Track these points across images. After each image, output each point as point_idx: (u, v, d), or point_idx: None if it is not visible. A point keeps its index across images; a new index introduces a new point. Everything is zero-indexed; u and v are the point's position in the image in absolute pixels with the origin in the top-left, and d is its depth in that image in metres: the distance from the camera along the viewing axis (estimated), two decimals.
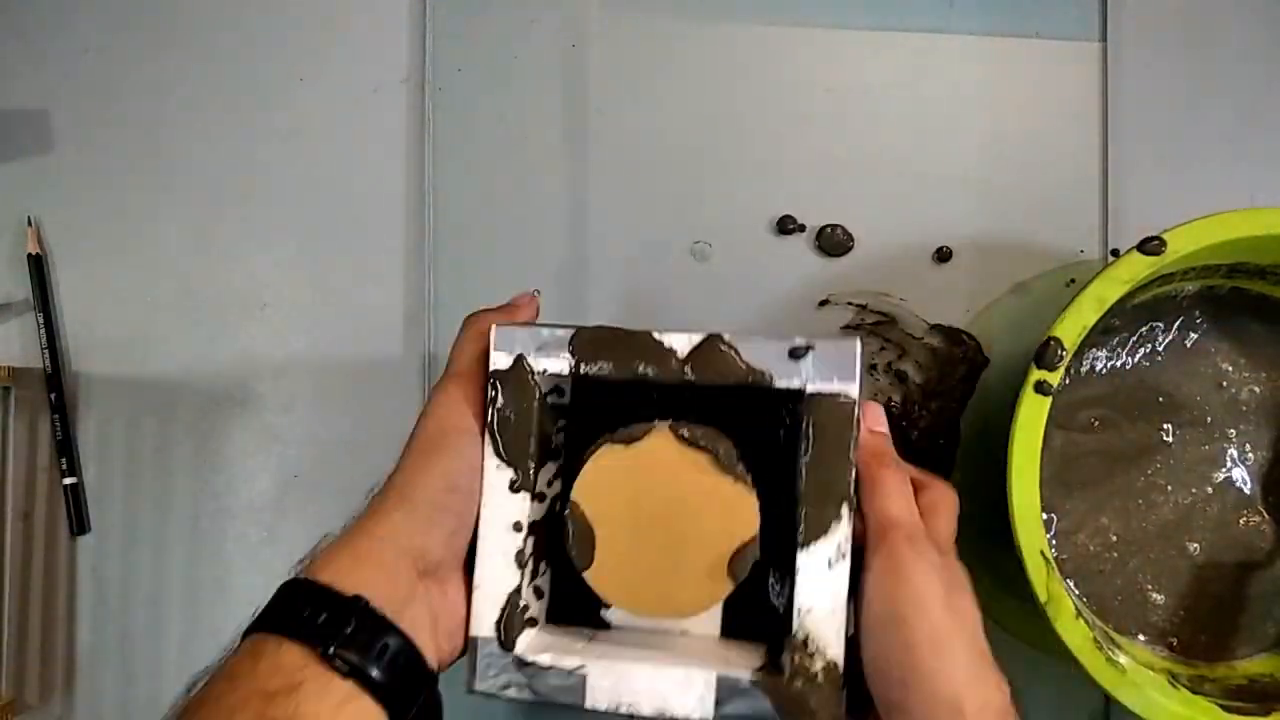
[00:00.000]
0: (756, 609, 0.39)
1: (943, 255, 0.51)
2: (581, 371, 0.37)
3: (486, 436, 0.37)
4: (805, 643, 0.34)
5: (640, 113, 0.51)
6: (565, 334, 0.37)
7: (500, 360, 0.37)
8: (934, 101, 0.51)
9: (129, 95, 0.52)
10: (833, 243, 0.51)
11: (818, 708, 0.34)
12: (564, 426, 0.40)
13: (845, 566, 0.35)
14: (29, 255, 0.51)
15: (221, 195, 0.52)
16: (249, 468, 0.51)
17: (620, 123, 0.51)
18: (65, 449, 0.51)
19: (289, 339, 0.51)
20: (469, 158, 0.51)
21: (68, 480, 0.51)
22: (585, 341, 0.37)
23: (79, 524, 0.51)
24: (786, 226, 0.51)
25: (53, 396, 0.51)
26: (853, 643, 0.35)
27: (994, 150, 0.51)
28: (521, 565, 0.37)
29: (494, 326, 0.37)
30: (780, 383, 0.36)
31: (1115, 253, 0.50)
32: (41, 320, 0.51)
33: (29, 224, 0.51)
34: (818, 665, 0.34)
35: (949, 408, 0.50)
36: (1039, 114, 0.51)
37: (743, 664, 0.36)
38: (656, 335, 0.36)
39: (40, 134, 0.52)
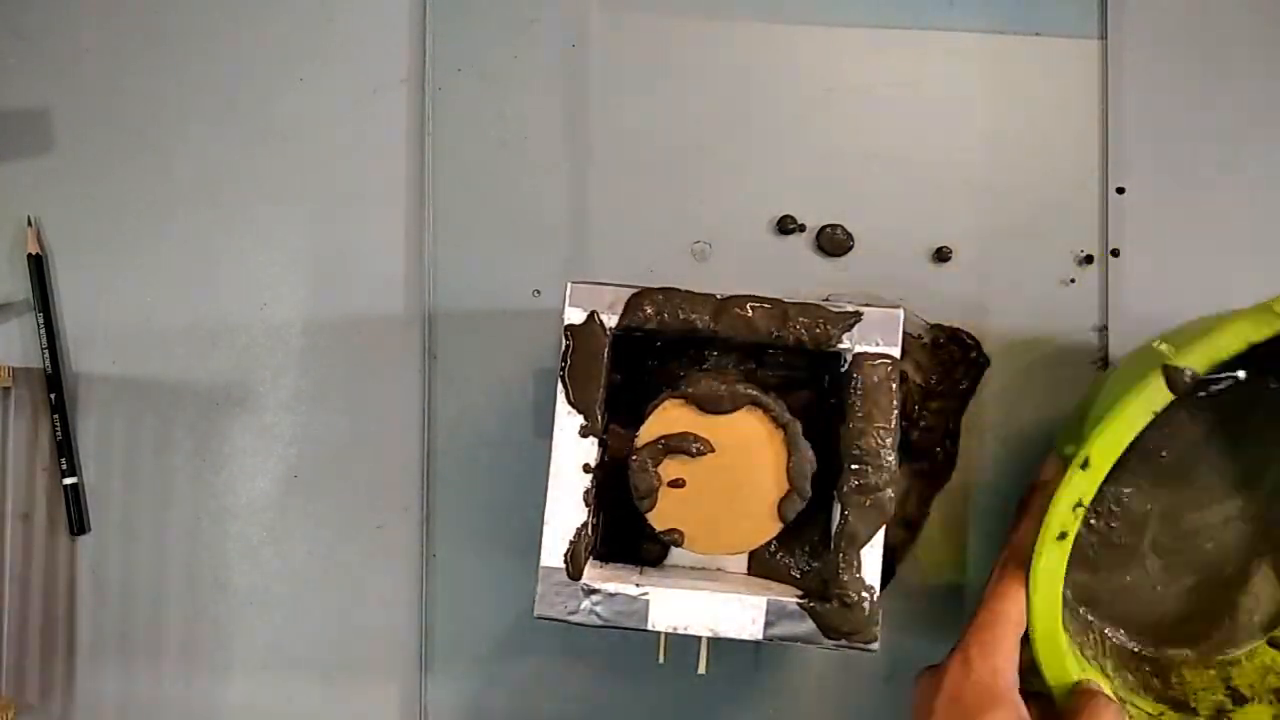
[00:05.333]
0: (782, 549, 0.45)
1: (943, 255, 0.51)
2: (650, 327, 0.41)
3: (559, 384, 0.41)
4: (848, 574, 0.40)
5: (640, 113, 0.51)
6: (632, 292, 0.41)
7: (574, 315, 0.41)
8: (934, 100, 0.51)
9: (129, 95, 0.52)
10: (833, 243, 0.51)
11: (858, 626, 0.40)
12: (625, 380, 0.44)
13: (888, 512, 0.41)
14: (29, 255, 0.51)
15: (221, 195, 0.52)
16: (249, 468, 0.51)
17: (620, 123, 0.51)
18: (65, 449, 0.51)
19: (289, 339, 0.52)
20: (469, 158, 0.51)
21: (68, 480, 0.51)
22: (653, 300, 0.41)
23: (79, 524, 0.51)
24: (786, 226, 0.51)
25: (53, 396, 0.51)
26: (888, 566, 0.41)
27: (994, 150, 0.51)
28: (588, 504, 0.41)
29: (570, 284, 0.41)
30: (833, 344, 0.41)
31: (1115, 253, 0.50)
32: (41, 320, 0.51)
33: (29, 224, 0.51)
34: (859, 591, 0.40)
35: (949, 408, 0.50)
36: (1039, 113, 0.51)
37: (783, 594, 0.41)
38: (720, 296, 0.41)
39: (40, 134, 0.52)
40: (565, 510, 0.41)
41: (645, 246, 0.51)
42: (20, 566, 0.51)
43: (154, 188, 0.52)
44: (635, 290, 0.41)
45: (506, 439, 0.50)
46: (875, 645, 0.40)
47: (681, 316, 0.41)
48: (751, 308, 0.41)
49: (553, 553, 0.40)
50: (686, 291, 0.41)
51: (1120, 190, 0.51)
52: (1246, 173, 0.51)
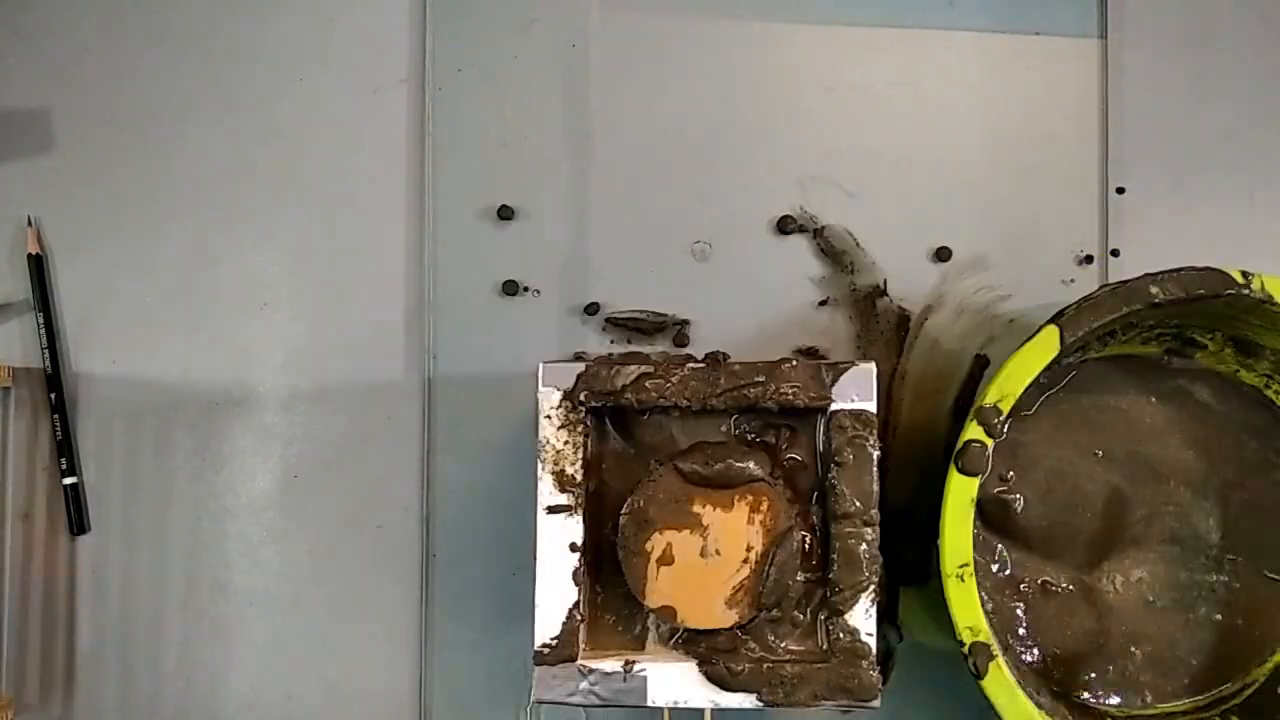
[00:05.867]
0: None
1: (942, 255, 0.51)
2: (623, 403, 0.40)
3: (539, 466, 0.40)
4: (843, 631, 0.40)
5: (640, 113, 0.51)
6: (606, 366, 0.40)
7: (550, 395, 0.40)
8: (934, 100, 0.51)
9: (129, 95, 0.52)
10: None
11: (857, 685, 0.39)
12: (605, 451, 0.43)
13: (878, 564, 0.40)
14: (29, 255, 0.51)
15: (221, 195, 0.52)
16: (249, 468, 0.51)
17: (620, 123, 0.51)
18: (65, 449, 0.51)
19: (289, 339, 0.51)
20: (469, 158, 0.51)
21: (68, 480, 0.51)
22: (601, 376, 0.40)
23: (79, 524, 0.51)
24: (786, 226, 0.51)
25: (53, 396, 0.51)
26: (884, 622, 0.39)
27: (994, 150, 0.51)
28: (578, 583, 0.40)
29: (541, 364, 0.40)
30: (818, 403, 0.40)
31: (1115, 253, 0.50)
32: (41, 320, 0.51)
33: (29, 224, 0.51)
34: (857, 648, 0.39)
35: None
36: (1039, 112, 0.51)
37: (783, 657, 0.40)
38: (692, 366, 0.40)
39: (40, 134, 0.52)
40: (556, 590, 0.40)
41: (645, 246, 0.51)
42: (20, 566, 0.51)
43: (154, 188, 0.52)
44: (590, 364, 0.41)
45: (507, 438, 0.50)
46: (876, 703, 0.40)
47: (657, 387, 0.40)
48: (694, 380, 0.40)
49: (546, 635, 0.40)
50: (658, 360, 0.41)
51: (1120, 190, 0.51)
52: (1246, 173, 0.51)
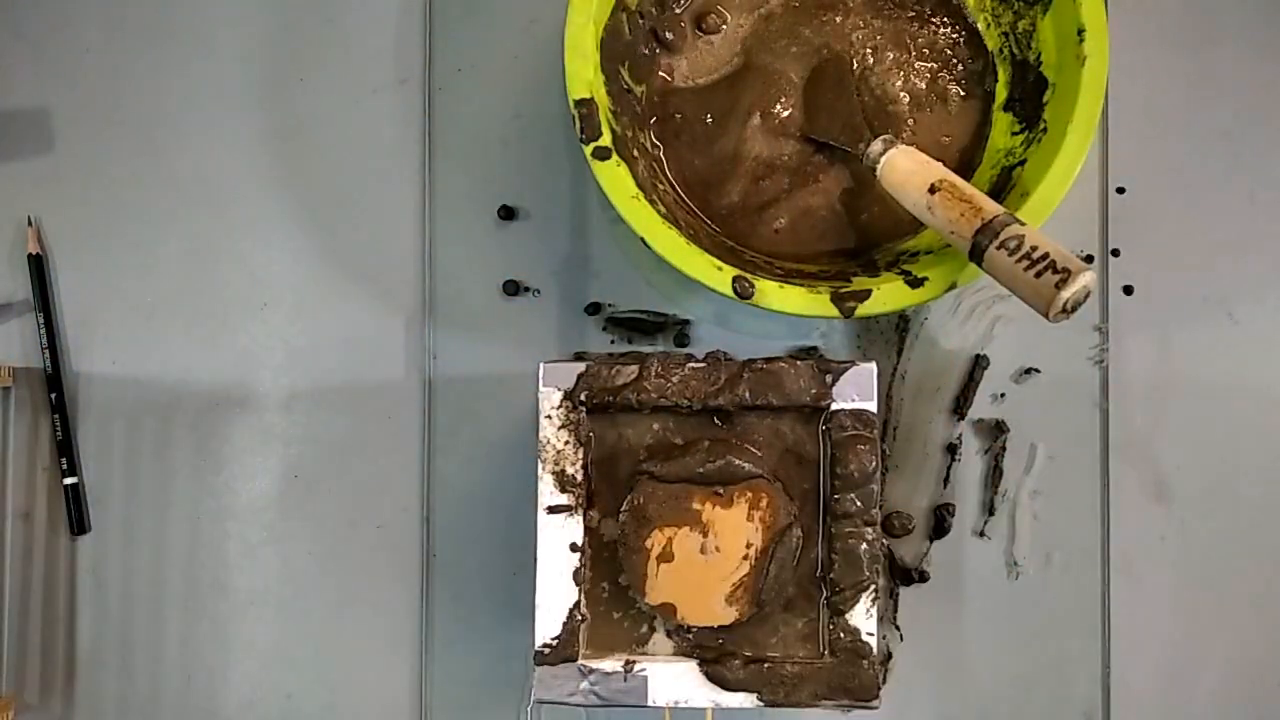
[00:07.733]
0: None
1: None
2: (623, 402, 0.40)
3: (540, 466, 0.40)
4: (844, 631, 0.40)
5: None
6: (607, 365, 0.40)
7: (550, 396, 0.40)
8: None
9: (129, 95, 0.52)
10: None
11: (858, 685, 0.39)
12: (606, 450, 0.42)
13: (878, 564, 0.40)
14: (29, 255, 0.51)
15: (221, 195, 0.52)
16: (249, 468, 0.51)
17: None
18: (65, 449, 0.51)
19: (289, 339, 0.52)
20: (469, 158, 0.51)
21: (68, 480, 0.51)
22: (622, 368, 0.40)
23: (79, 524, 0.51)
24: None
25: (53, 396, 0.51)
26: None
27: None
28: (579, 583, 0.40)
29: (541, 364, 0.40)
30: (822, 402, 0.40)
31: (1115, 252, 0.50)
32: (41, 320, 0.51)
33: (29, 224, 0.51)
34: (858, 648, 0.39)
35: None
36: None
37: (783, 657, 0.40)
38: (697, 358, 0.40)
39: (40, 134, 0.52)
40: (556, 590, 0.40)
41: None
42: (20, 566, 0.51)
43: (154, 188, 0.52)
44: (591, 364, 0.40)
45: (507, 438, 0.50)
46: (877, 703, 0.39)
47: (656, 389, 0.40)
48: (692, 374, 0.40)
49: (545, 634, 0.40)
50: (661, 355, 0.41)
51: (1120, 190, 0.51)
52: (1246, 173, 0.51)
